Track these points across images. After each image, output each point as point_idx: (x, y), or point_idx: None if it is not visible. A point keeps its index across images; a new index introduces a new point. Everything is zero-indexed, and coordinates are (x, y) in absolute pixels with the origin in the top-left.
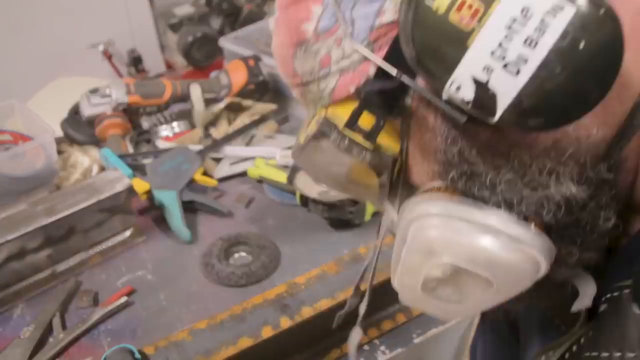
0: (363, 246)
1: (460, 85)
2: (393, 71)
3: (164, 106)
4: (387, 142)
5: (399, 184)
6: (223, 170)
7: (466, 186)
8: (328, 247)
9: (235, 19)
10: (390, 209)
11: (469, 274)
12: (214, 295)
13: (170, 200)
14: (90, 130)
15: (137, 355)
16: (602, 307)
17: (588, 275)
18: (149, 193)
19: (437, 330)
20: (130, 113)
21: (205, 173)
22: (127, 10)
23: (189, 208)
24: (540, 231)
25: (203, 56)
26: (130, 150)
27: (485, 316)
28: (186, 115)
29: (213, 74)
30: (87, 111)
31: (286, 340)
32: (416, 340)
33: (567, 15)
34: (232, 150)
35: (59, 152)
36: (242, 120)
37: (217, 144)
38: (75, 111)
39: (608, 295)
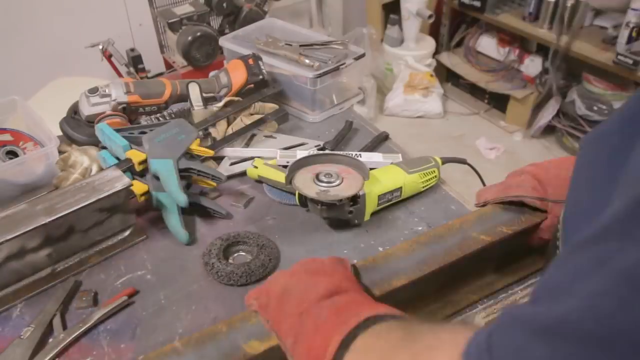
0: (363, 246)
1: None
2: None
3: (164, 106)
4: None
5: None
6: (223, 170)
7: None
8: (327, 246)
9: (235, 19)
10: None
11: None
12: (214, 295)
13: (167, 169)
14: (90, 130)
15: None
16: None
17: None
18: (147, 194)
19: None
20: (130, 112)
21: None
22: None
23: (188, 210)
24: None
25: (203, 56)
26: None
27: None
28: (185, 115)
29: (212, 74)
30: (86, 111)
31: None
32: None
33: None
34: (232, 151)
35: (58, 152)
36: (243, 120)
37: (216, 145)
38: (74, 111)
39: None
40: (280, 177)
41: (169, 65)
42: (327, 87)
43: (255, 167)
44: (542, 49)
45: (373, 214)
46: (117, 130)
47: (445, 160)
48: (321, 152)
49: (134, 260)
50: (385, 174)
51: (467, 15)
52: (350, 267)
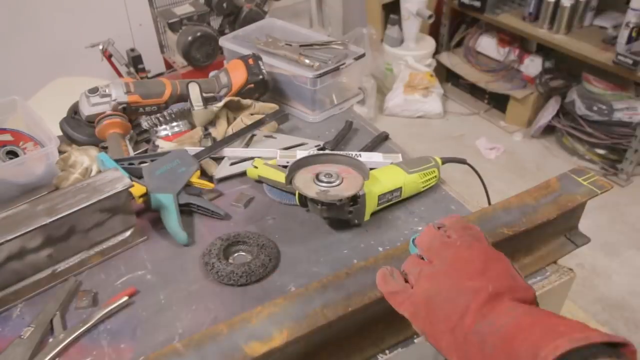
0: (363, 246)
1: None
2: None
3: (164, 106)
4: None
5: None
6: (223, 170)
7: None
8: (327, 246)
9: (235, 19)
10: None
11: None
12: (214, 295)
13: (167, 203)
14: (90, 130)
15: None
16: None
17: None
18: (145, 196)
19: None
20: (130, 112)
21: (203, 173)
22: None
23: (187, 210)
24: None
25: (203, 56)
26: (130, 150)
27: None
28: (186, 115)
29: (212, 74)
30: (86, 111)
31: None
32: (416, 340)
33: None
34: (232, 151)
35: (59, 151)
36: (243, 120)
37: (215, 146)
38: (74, 111)
39: None
40: (280, 177)
41: (169, 65)
42: (327, 87)
43: (255, 167)
44: (542, 49)
45: (373, 214)
46: (117, 161)
47: (445, 160)
48: (321, 152)
49: (134, 260)
50: (385, 174)
51: (467, 15)
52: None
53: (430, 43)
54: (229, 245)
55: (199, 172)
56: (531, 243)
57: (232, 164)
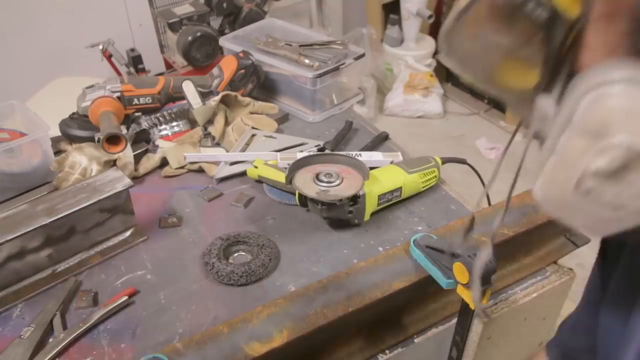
0: (363, 246)
1: None
2: None
3: (158, 97)
4: (567, 2)
5: (564, 62)
6: (223, 170)
7: None
8: (327, 246)
9: (235, 19)
10: (544, 103)
11: None
12: (214, 295)
13: None
14: (87, 124)
15: None
16: None
17: None
18: None
19: (437, 330)
20: (125, 103)
21: (203, 173)
22: (127, 10)
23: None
24: None
25: (203, 56)
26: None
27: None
28: (185, 115)
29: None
30: (82, 104)
31: None
32: (416, 340)
33: None
34: (232, 156)
35: (58, 152)
36: (243, 119)
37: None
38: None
39: None
40: (280, 177)
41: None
42: (327, 87)
43: (255, 167)
44: None
45: (373, 213)
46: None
47: (445, 160)
48: (321, 152)
49: (134, 260)
50: (385, 174)
51: None
52: None
53: (430, 43)
54: (229, 245)
55: None
56: (531, 243)
57: (232, 164)
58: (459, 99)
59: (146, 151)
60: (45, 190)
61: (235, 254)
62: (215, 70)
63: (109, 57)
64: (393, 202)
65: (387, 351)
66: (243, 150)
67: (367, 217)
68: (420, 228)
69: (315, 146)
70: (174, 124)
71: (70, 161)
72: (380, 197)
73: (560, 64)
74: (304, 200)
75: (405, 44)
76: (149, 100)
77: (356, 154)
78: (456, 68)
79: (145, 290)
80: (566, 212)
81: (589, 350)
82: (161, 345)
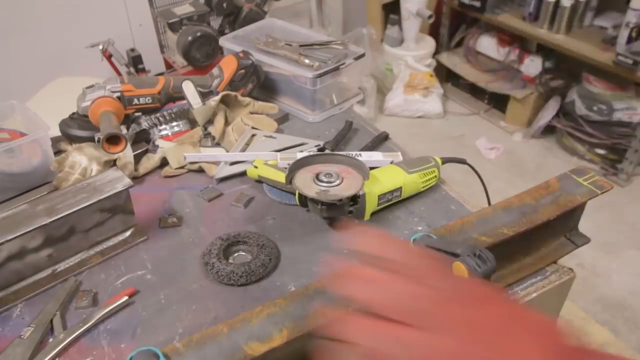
0: None
1: None
2: None
3: (158, 98)
4: None
5: None
6: (223, 170)
7: None
8: (327, 246)
9: (235, 19)
10: None
11: None
12: (214, 295)
13: None
14: (87, 124)
15: (162, 359)
16: None
17: None
18: None
19: None
20: (125, 103)
21: (203, 173)
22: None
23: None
24: None
25: (203, 56)
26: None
27: None
28: (186, 115)
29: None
30: (82, 104)
31: None
32: None
33: None
34: (232, 156)
35: (58, 152)
36: (243, 119)
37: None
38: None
39: None
40: (280, 177)
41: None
42: (327, 87)
43: (255, 167)
44: (542, 49)
45: (373, 214)
46: None
47: (445, 160)
48: (321, 152)
49: (134, 260)
50: (385, 174)
51: (467, 15)
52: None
53: (430, 43)
54: (229, 245)
55: None
56: (531, 243)
57: (232, 164)
58: (459, 99)
59: (146, 151)
60: (45, 190)
61: (235, 254)
62: (215, 70)
63: (109, 57)
64: (393, 202)
65: None
66: (243, 150)
67: (367, 217)
68: (420, 228)
69: (315, 146)
70: (174, 124)
71: (70, 161)
72: (380, 197)
73: None
74: (304, 200)
75: (405, 44)
76: (149, 100)
77: (356, 154)
78: None
79: (145, 290)
80: None
81: None
82: (161, 345)
